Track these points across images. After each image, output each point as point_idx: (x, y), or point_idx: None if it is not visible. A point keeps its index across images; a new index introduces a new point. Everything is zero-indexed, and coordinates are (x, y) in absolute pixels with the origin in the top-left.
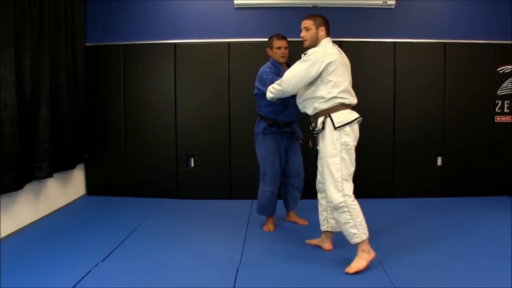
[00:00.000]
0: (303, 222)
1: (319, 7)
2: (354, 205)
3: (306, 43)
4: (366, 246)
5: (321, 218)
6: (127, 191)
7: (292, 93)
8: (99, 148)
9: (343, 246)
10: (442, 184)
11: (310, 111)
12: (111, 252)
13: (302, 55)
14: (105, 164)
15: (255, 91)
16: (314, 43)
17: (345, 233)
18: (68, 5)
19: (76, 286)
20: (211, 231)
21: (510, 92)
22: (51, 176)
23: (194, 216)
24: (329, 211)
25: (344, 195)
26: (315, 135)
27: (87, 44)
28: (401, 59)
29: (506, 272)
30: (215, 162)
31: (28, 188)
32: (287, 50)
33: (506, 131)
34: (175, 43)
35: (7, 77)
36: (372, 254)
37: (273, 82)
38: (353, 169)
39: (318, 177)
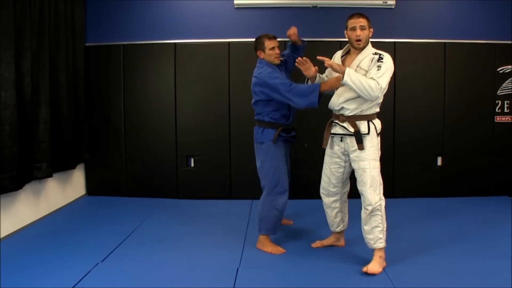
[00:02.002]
0: (287, 222)
1: (319, 7)
2: (384, 210)
3: (361, 44)
4: (384, 254)
5: (336, 220)
6: (127, 191)
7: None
8: (99, 148)
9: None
10: (442, 184)
11: (352, 111)
12: (111, 252)
13: (374, 57)
14: (105, 164)
15: (257, 98)
16: (366, 45)
17: (370, 236)
18: (68, 5)
19: (76, 286)
20: (211, 231)
21: (510, 92)
22: (50, 176)
23: (194, 216)
24: (344, 212)
25: (380, 198)
26: (358, 136)
27: (87, 44)
28: (401, 59)
29: (506, 272)
30: (215, 162)
31: (28, 188)
32: (279, 50)
33: (506, 131)
34: (175, 43)
35: (7, 77)
36: (385, 264)
37: (289, 86)
38: None
39: (333, 181)
